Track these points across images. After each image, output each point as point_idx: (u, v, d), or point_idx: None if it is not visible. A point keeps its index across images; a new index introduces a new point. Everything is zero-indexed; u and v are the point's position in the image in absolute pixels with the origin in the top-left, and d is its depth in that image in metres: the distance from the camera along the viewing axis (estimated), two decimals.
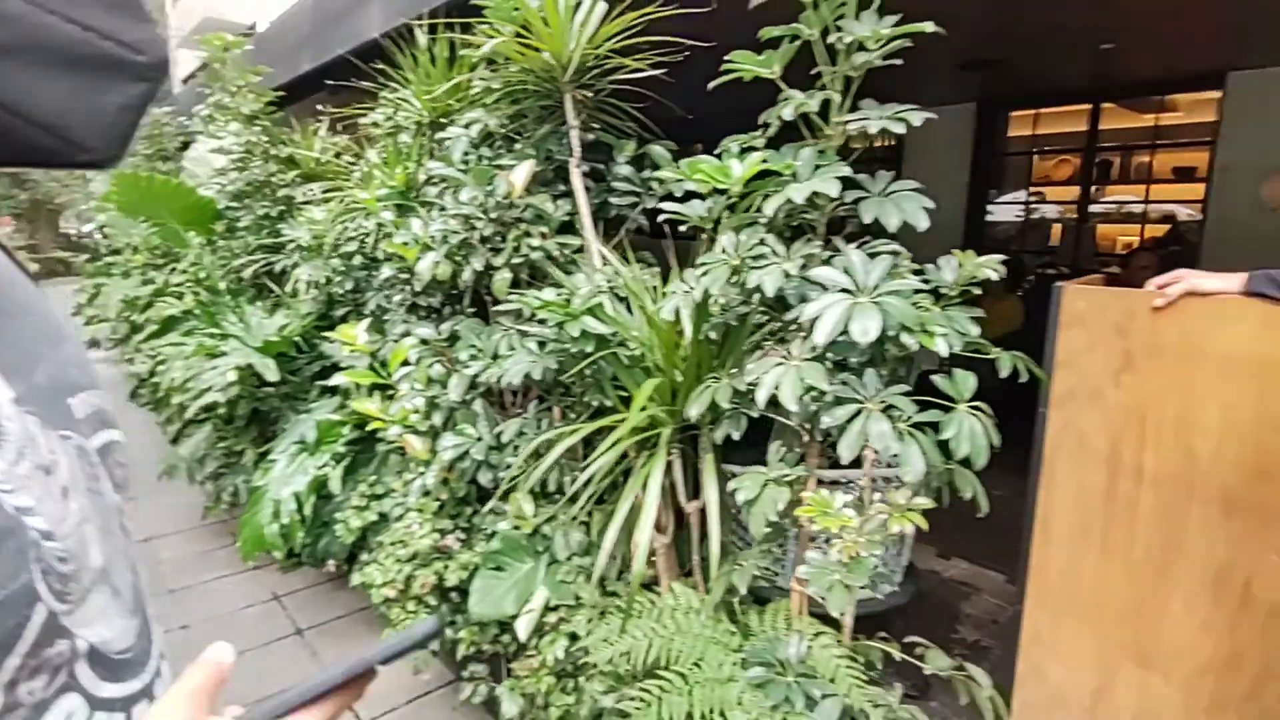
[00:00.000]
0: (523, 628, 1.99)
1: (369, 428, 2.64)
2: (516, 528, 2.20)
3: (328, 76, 4.11)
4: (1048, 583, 1.83)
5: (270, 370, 3.05)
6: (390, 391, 2.59)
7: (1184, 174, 5.94)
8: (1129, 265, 4.63)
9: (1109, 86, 5.80)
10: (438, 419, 2.37)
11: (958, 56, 4.80)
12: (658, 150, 2.07)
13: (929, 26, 1.27)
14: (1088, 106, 6.06)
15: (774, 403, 1.40)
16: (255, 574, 3.61)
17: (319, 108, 3.73)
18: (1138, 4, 3.62)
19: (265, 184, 4.00)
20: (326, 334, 3.15)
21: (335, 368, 3.13)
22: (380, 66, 2.86)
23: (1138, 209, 6.28)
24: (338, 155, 3.79)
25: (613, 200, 2.20)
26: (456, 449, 2.26)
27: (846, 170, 1.37)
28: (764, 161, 1.39)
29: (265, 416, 3.56)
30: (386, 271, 2.62)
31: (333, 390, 3.10)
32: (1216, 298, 1.51)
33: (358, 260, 3.04)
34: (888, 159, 7.30)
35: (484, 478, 2.29)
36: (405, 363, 2.47)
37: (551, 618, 2.04)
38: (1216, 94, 5.15)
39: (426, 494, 2.46)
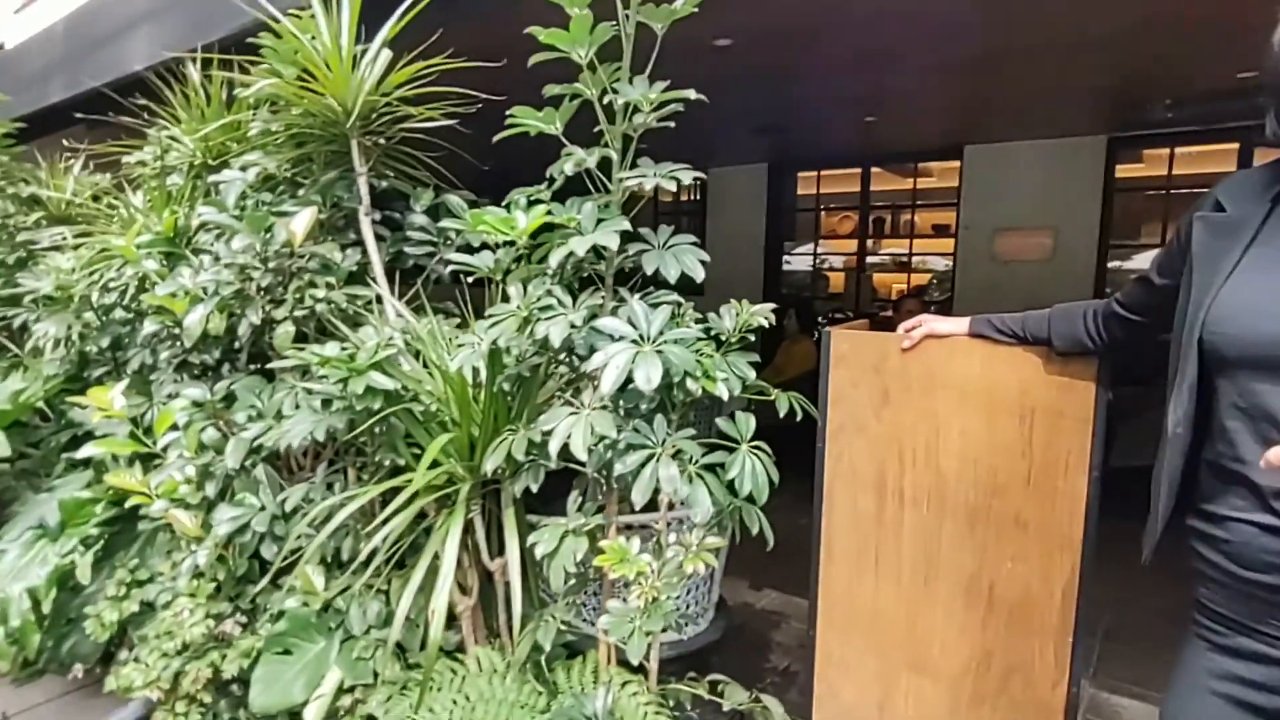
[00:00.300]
0: (311, 716, 1.80)
1: (129, 504, 2.31)
2: (306, 604, 2.00)
3: (81, 110, 3.67)
4: (834, 604, 1.96)
5: None
6: (157, 461, 2.29)
7: (941, 230, 6.87)
8: (899, 310, 5.24)
9: (875, 153, 6.62)
10: (211, 489, 2.13)
11: (749, 122, 5.26)
12: (454, 200, 2.04)
13: (691, 94, 1.37)
14: (859, 170, 6.85)
15: (569, 453, 1.40)
16: None
17: (65, 142, 3.30)
18: (888, 85, 4.19)
19: (1, 226, 3.45)
20: (77, 399, 2.74)
21: (89, 436, 2.72)
22: (144, 103, 2.60)
23: (905, 260, 7.16)
24: (96, 198, 3.36)
25: (408, 250, 2.13)
26: (234, 522, 2.04)
27: (626, 224, 1.43)
28: (548, 214, 1.41)
29: None
30: (151, 326, 2.33)
31: (84, 463, 2.69)
32: (950, 339, 1.74)
33: (118, 314, 2.69)
34: (695, 213, 7.78)
35: (268, 551, 2.07)
36: (174, 427, 2.20)
37: (346, 700, 1.87)
38: (957, 163, 6.04)
39: (200, 575, 2.19)
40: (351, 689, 1.87)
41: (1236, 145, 5.04)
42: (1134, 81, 4.15)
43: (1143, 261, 5.76)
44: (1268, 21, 1.03)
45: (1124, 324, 1.39)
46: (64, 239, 3.19)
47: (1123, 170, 5.55)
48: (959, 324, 1.71)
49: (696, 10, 1.38)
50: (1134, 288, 1.35)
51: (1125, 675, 2.89)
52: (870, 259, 7.25)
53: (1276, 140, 1.04)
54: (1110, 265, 5.64)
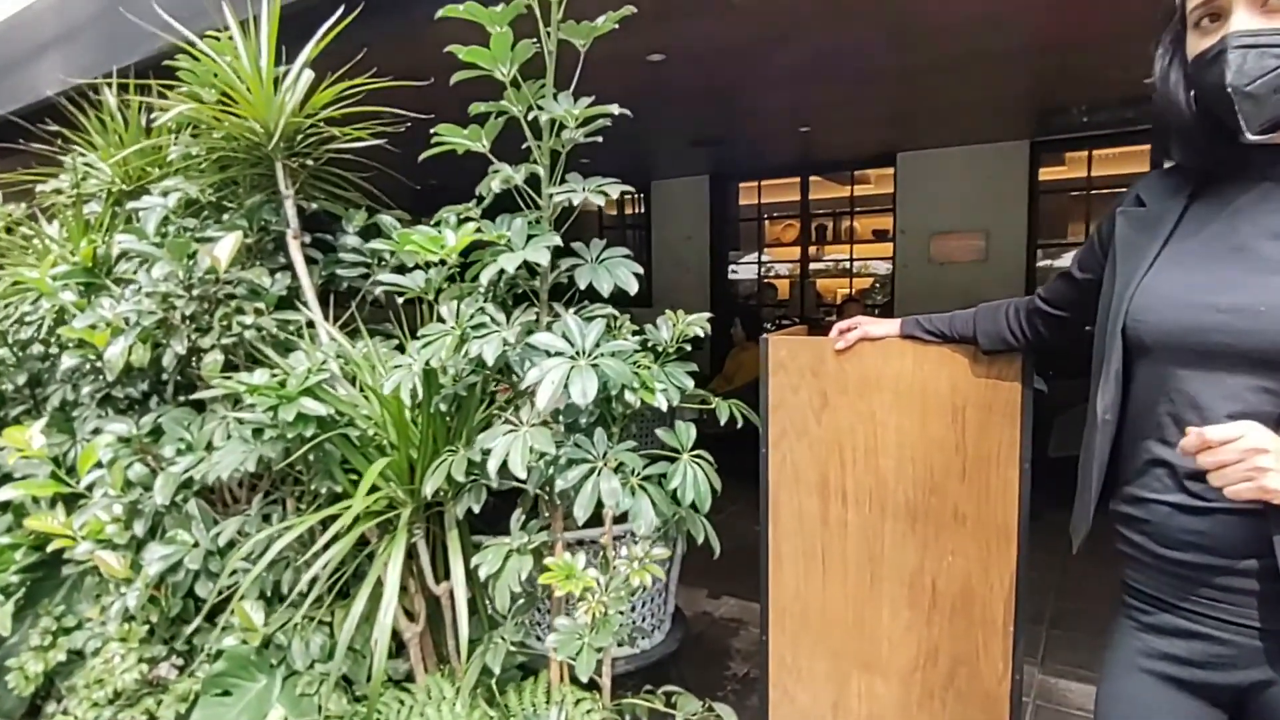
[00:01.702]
0: None
1: (52, 548, 2.19)
2: (245, 641, 1.93)
3: None
4: (784, 608, 1.98)
5: None
6: (81, 501, 2.19)
7: (880, 235, 7.05)
8: (842, 314, 5.35)
9: (813, 162, 6.77)
10: (140, 528, 2.04)
11: (686, 135, 5.33)
12: (386, 220, 2.01)
13: (615, 109, 1.39)
14: (798, 179, 7.00)
15: (510, 471, 1.39)
16: None
17: None
18: (818, 97, 4.30)
19: None
20: None
21: (7, 479, 2.58)
22: (56, 129, 2.50)
23: (847, 265, 7.32)
24: (8, 229, 3.21)
25: (341, 272, 2.09)
26: (166, 560, 1.96)
27: (557, 239, 1.43)
28: (478, 231, 1.40)
29: None
30: (70, 360, 2.23)
31: (2, 507, 2.55)
32: (883, 340, 1.78)
33: (35, 349, 2.57)
34: (639, 225, 7.83)
35: (203, 589, 1.99)
36: (98, 465, 2.10)
37: None
38: (891, 170, 6.22)
39: (130, 618, 2.09)
40: None
41: (1149, 146, 5.30)
42: (1048, 89, 4.35)
43: (1069, 259, 6.00)
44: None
45: (1047, 319, 1.44)
46: None
47: (1046, 173, 5.80)
48: (891, 325, 1.76)
49: (618, 27, 1.39)
50: (1056, 284, 1.40)
51: (1070, 660, 2.98)
52: (813, 265, 7.40)
53: (1180, 161, 1.10)
54: (1039, 264, 5.87)
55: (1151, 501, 1.07)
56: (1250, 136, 0.96)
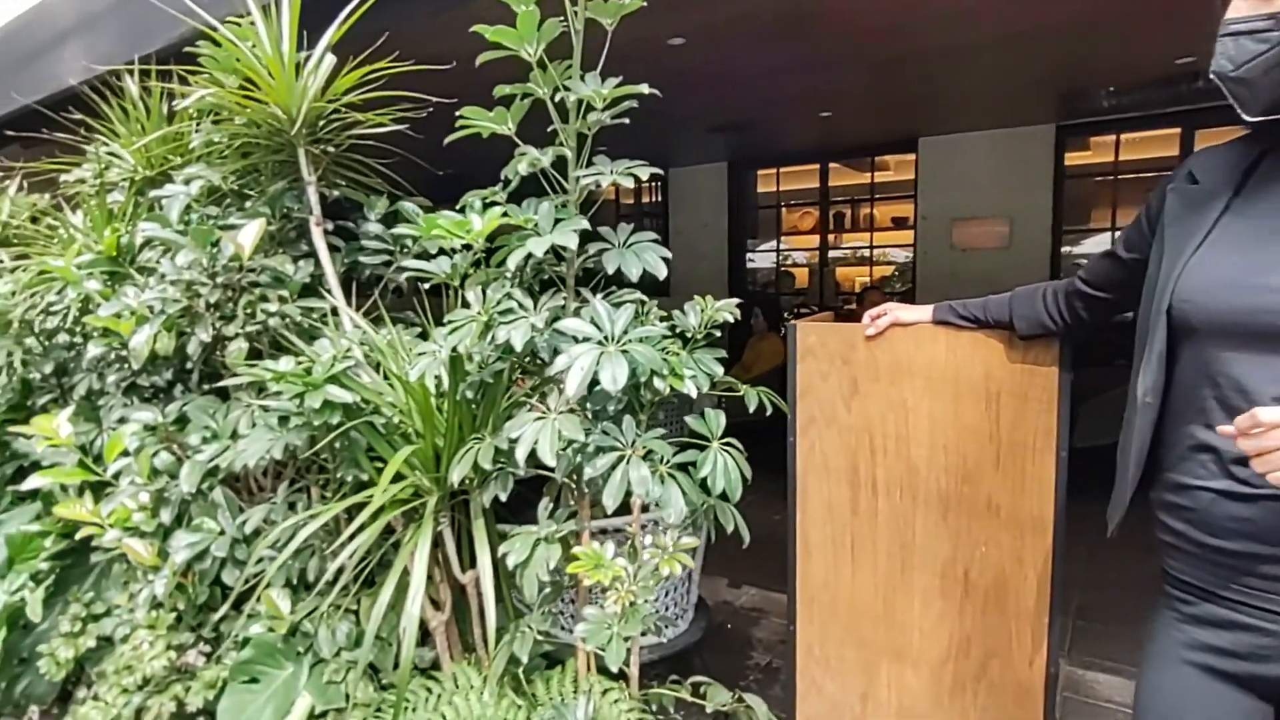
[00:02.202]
0: None
1: (81, 535, 2.21)
2: (272, 629, 1.94)
3: (14, 128, 3.52)
4: (812, 597, 1.96)
5: None
6: (108, 489, 2.20)
7: (900, 222, 6.95)
8: (863, 302, 5.30)
9: (832, 149, 6.68)
10: (167, 515, 2.05)
11: (705, 121, 5.27)
12: (408, 206, 1.99)
13: (644, 88, 1.35)
14: (817, 166, 6.91)
15: (537, 459, 1.37)
16: None
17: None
18: (839, 82, 4.23)
19: None
20: (21, 428, 2.62)
21: (35, 467, 2.60)
22: (80, 118, 2.50)
23: (867, 253, 7.23)
24: (34, 219, 3.23)
25: (364, 259, 2.08)
26: (193, 548, 1.96)
27: (585, 223, 1.40)
28: (504, 216, 1.38)
29: None
30: (95, 349, 2.24)
31: (31, 495, 2.57)
32: (915, 326, 1.74)
33: (61, 338, 2.58)
34: (657, 213, 7.77)
35: (230, 576, 2.00)
36: (125, 453, 2.11)
37: None
38: (913, 156, 6.12)
39: (158, 605, 2.10)
40: (323, 715, 1.81)
41: (1178, 130, 5.18)
42: (1075, 71, 4.24)
43: (1094, 246, 5.90)
44: (1201, 8, 1.05)
45: (1088, 301, 1.39)
46: (1, 262, 3.06)
47: (1071, 158, 5.68)
48: (923, 311, 1.72)
49: (645, 4, 1.36)
50: (1100, 264, 1.35)
51: (1098, 651, 2.94)
52: (832, 253, 7.32)
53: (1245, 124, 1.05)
54: (1063, 250, 5.77)
55: (1195, 488, 1.04)
56: (1250, 118, 0.97)
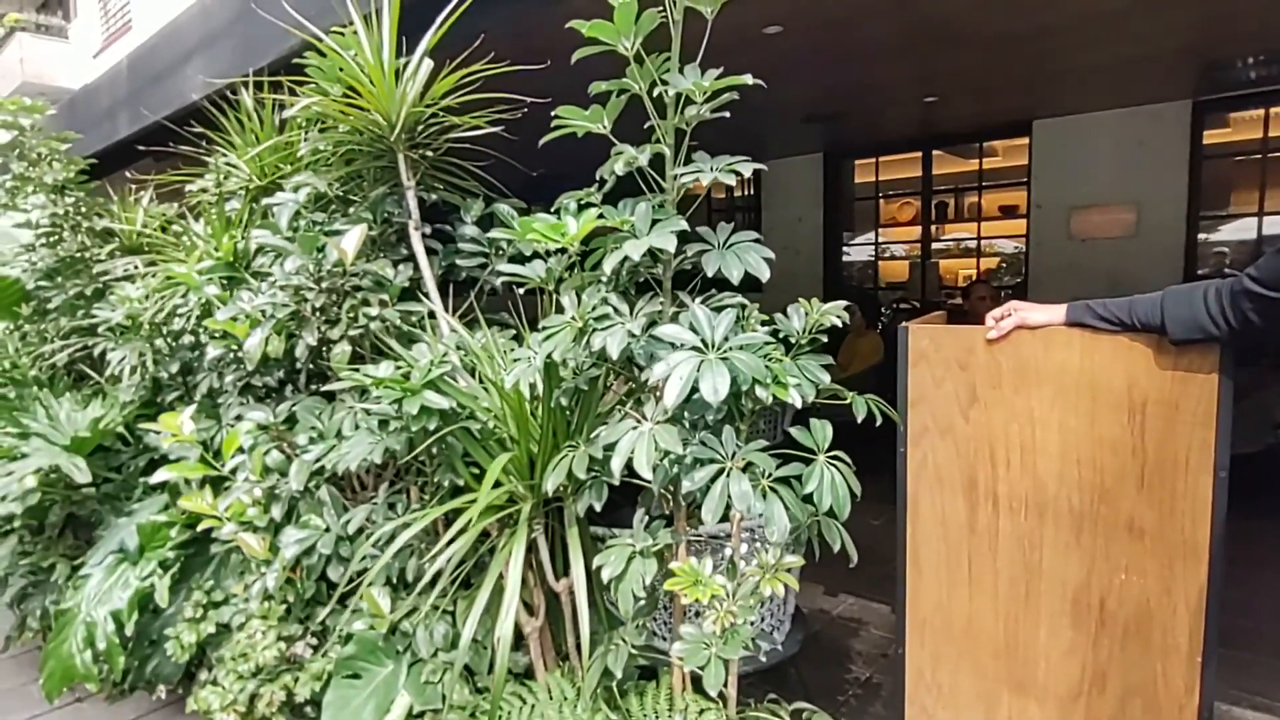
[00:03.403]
0: None
1: (202, 526, 2.34)
2: (373, 626, 1.98)
3: (145, 142, 3.78)
4: (923, 619, 1.82)
5: (80, 471, 2.66)
6: (226, 484, 2.31)
7: (1009, 211, 6.53)
8: (969, 296, 4.98)
9: (936, 135, 6.34)
10: (278, 511, 2.13)
11: (800, 111, 5.09)
12: (503, 209, 1.98)
13: (748, 79, 1.27)
14: (919, 154, 6.57)
15: (633, 468, 1.32)
16: (76, 708, 3.09)
17: (128, 175, 3.41)
18: (949, 61, 3.97)
19: (79, 259, 3.59)
20: (151, 424, 2.80)
21: (165, 461, 2.78)
22: (201, 131, 2.64)
23: (972, 244, 6.84)
24: (163, 227, 3.46)
25: (460, 262, 2.09)
26: (301, 544, 2.03)
27: (684, 224, 1.33)
28: (600, 217, 1.33)
29: (84, 522, 3.10)
30: (214, 350, 2.36)
31: (160, 487, 2.75)
32: (1044, 329, 1.58)
33: (186, 339, 2.74)
34: (749, 208, 7.62)
35: (334, 573, 2.06)
36: (240, 450, 2.21)
37: None
38: (1025, 140, 5.72)
39: (270, 598, 2.19)
40: (420, 715, 1.83)
41: None
42: (1217, 38, 3.81)
43: (1236, 232, 5.34)
44: None
45: (1261, 303, 1.21)
46: (135, 268, 3.29)
47: (1210, 135, 5.16)
48: (1054, 312, 1.56)
49: None
50: (1275, 259, 1.18)
51: (1246, 686, 2.64)
52: (935, 245, 6.96)
53: None
54: (1199, 237, 5.25)
55: None
56: None
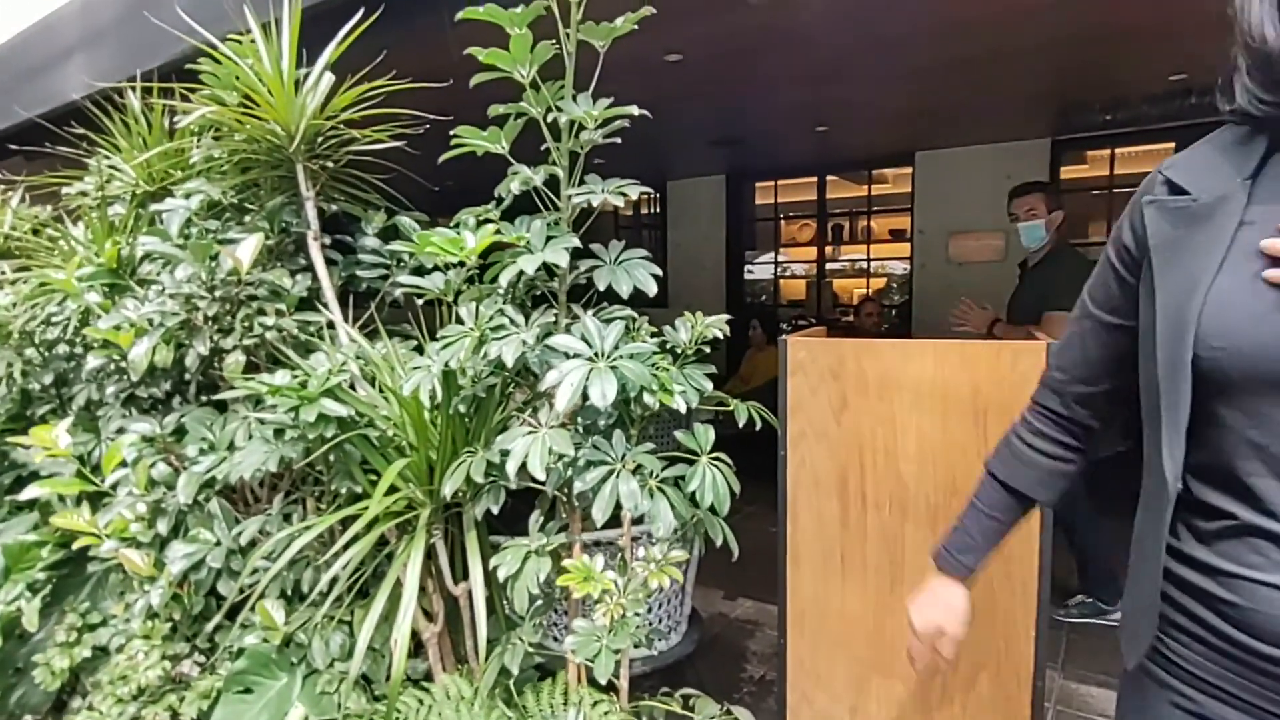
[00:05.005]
0: None
1: (78, 545, 2.23)
2: (266, 639, 1.95)
3: (16, 141, 3.56)
4: (802, 611, 1.97)
5: None
6: (105, 500, 2.22)
7: (897, 235, 6.99)
8: (859, 314, 5.32)
9: (829, 162, 6.73)
10: (164, 526, 2.06)
11: (705, 135, 5.31)
12: (405, 222, 2.02)
13: (634, 110, 1.38)
14: (815, 178, 6.96)
15: (529, 472, 1.39)
16: None
17: None
18: (836, 96, 4.27)
19: None
20: (20, 439, 2.64)
21: (34, 477, 2.62)
22: (82, 132, 2.53)
23: (864, 265, 7.27)
24: (35, 231, 3.26)
25: (360, 273, 2.10)
26: (189, 559, 1.98)
27: (576, 241, 1.43)
28: (497, 233, 1.40)
29: None
30: (95, 361, 2.26)
31: (29, 505, 2.59)
32: (903, 341, 1.77)
33: (61, 349, 2.61)
34: (655, 225, 7.82)
35: (225, 587, 2.02)
36: (122, 464, 2.13)
37: None
38: (909, 169, 6.17)
39: (154, 615, 2.12)
40: None
41: (1173, 145, 5.22)
42: (1070, 87, 4.29)
43: (1094, 257, 5.92)
44: (1193, 27, 1.05)
45: (1084, 399, 1.09)
46: (3, 274, 3.09)
47: (1067, 171, 5.72)
48: (943, 589, 1.33)
49: (636, 29, 1.39)
50: (1070, 346, 1.08)
51: (1092, 665, 2.94)
52: (830, 265, 7.35)
53: (1248, 109, 0.83)
54: None
55: (1243, 579, 0.81)
56: (1265, 99, 0.79)
